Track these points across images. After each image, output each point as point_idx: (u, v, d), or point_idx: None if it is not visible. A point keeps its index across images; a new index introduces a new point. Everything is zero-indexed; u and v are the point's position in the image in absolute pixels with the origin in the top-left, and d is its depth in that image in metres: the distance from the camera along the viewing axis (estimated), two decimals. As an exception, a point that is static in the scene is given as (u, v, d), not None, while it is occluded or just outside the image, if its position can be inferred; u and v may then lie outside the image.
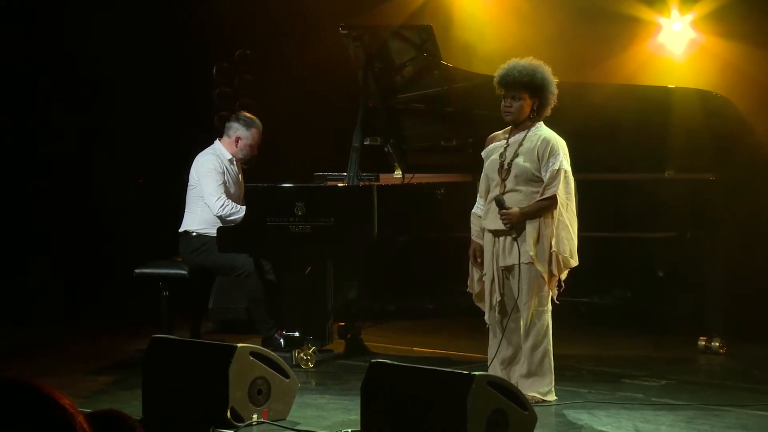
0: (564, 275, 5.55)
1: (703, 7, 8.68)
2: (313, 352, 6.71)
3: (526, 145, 5.52)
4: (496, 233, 5.57)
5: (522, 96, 5.52)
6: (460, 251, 6.04)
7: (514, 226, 5.45)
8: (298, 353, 6.68)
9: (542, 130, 5.56)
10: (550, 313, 5.57)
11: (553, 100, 5.58)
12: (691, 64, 8.82)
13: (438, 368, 4.87)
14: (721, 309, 7.11)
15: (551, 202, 5.44)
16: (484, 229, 5.66)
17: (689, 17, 8.87)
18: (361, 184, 6.87)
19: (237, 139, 7.23)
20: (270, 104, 9.43)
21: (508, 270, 5.55)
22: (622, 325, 8.26)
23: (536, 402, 5.40)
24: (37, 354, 7.24)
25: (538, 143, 5.49)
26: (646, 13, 8.86)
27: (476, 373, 4.44)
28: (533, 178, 5.51)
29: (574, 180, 5.58)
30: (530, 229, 5.46)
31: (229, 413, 5.06)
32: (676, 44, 8.95)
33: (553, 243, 5.44)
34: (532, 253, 5.44)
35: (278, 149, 9.22)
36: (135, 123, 9.49)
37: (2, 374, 1.94)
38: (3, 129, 9.05)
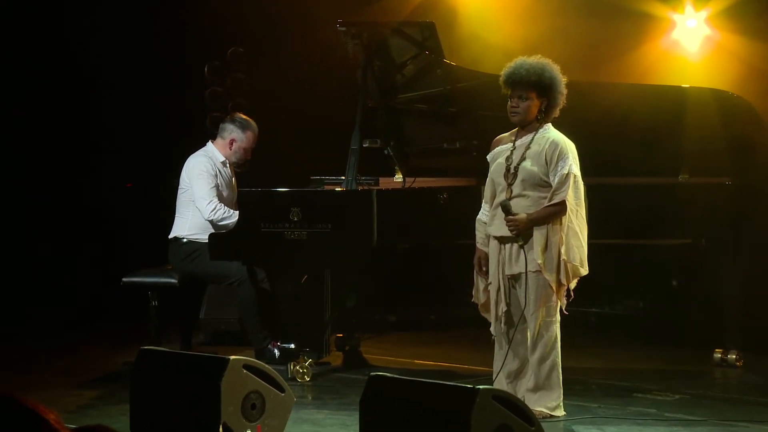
0: (573, 284, 5.55)
1: (719, 2, 8.70)
2: (310, 364, 6.71)
3: (534, 148, 5.53)
4: (502, 240, 5.57)
5: (529, 96, 5.52)
6: (464, 259, 6.04)
7: (521, 233, 5.45)
8: (294, 366, 6.67)
9: (550, 133, 5.56)
10: (558, 324, 5.57)
11: (561, 101, 5.58)
12: (706, 63, 8.84)
13: (441, 382, 4.86)
14: (737, 320, 7.11)
15: (560, 208, 5.44)
16: (489, 236, 5.67)
17: (704, 13, 8.89)
18: (360, 188, 6.87)
19: (231, 142, 7.24)
20: (264, 104, 9.43)
21: (514, 279, 5.55)
22: (634, 337, 8.26)
23: (544, 417, 5.41)
24: (20, 367, 7.24)
25: (546, 146, 5.50)
26: (659, 9, 8.88)
27: (481, 386, 4.44)
28: (541, 183, 5.51)
29: (584, 184, 5.58)
30: (538, 236, 5.46)
31: (221, 429, 5.05)
32: (690, 42, 8.97)
33: (562, 251, 5.44)
34: (539, 261, 5.44)
35: (273, 152, 9.21)
36: (122, 124, 9.49)
37: (-15, 388, 1.94)
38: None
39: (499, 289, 5.59)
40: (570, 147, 5.53)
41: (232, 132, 7.25)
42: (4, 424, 1.90)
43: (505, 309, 5.57)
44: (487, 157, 5.75)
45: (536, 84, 5.51)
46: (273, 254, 6.68)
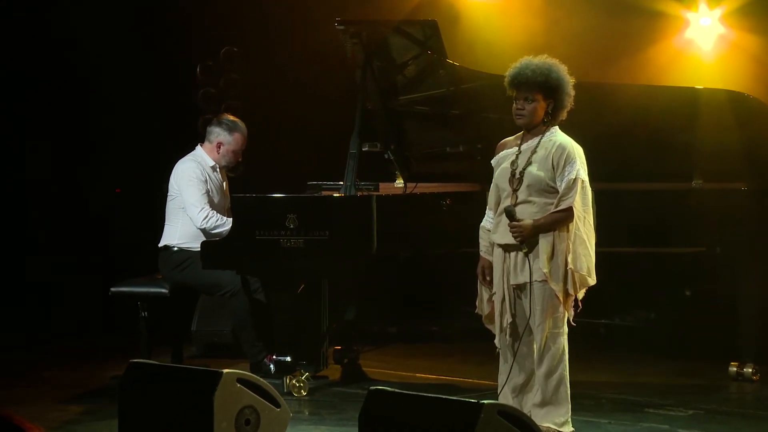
0: (581, 294, 5.55)
1: (734, 0, 8.72)
2: (307, 378, 6.71)
3: (540, 152, 5.53)
4: (507, 248, 5.58)
5: (535, 97, 5.52)
6: (467, 268, 6.04)
7: (526, 240, 5.46)
8: (290, 380, 6.68)
9: (558, 136, 5.56)
10: (566, 336, 5.57)
11: (569, 103, 5.58)
12: (721, 63, 8.85)
13: (443, 396, 4.86)
14: (754, 331, 7.11)
15: (567, 215, 5.44)
16: (493, 244, 5.67)
17: (718, 11, 8.90)
18: (359, 194, 6.88)
19: (219, 145, 7.24)
20: (259, 106, 9.44)
21: (519, 289, 5.55)
22: (646, 350, 8.25)
23: (551, 433, 5.42)
24: (2, 380, 7.24)
25: (553, 150, 5.50)
26: (671, 7, 8.90)
27: (485, 401, 4.44)
28: (547, 189, 5.51)
29: (593, 190, 5.59)
30: (544, 244, 5.46)
31: (214, 446, 5.05)
32: (704, 41, 8.99)
33: (569, 259, 5.45)
34: (545, 270, 5.44)
35: (268, 156, 9.22)
36: (110, 127, 9.50)
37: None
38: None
39: (503, 300, 5.59)
40: (578, 151, 5.52)
41: (218, 135, 7.24)
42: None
43: (510, 320, 5.57)
44: (492, 161, 5.75)
45: (543, 85, 5.50)
46: (268, 263, 6.68)
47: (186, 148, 7.37)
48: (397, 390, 4.88)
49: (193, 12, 9.34)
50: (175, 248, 7.13)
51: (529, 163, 5.53)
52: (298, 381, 6.67)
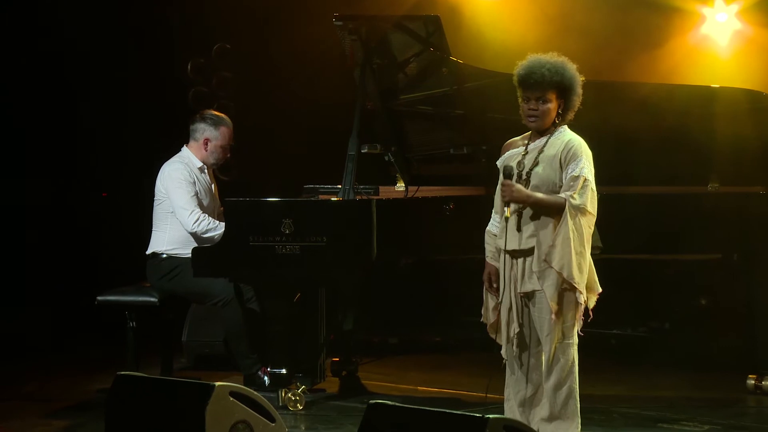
0: (592, 303, 5.54)
1: (751, -6, 8.76)
2: (303, 391, 6.71)
3: (548, 151, 5.51)
4: (514, 254, 5.57)
5: (550, 98, 5.51)
6: (471, 275, 6.04)
7: (512, 203, 5.42)
8: (286, 393, 6.67)
9: (566, 134, 5.55)
10: (576, 347, 5.56)
11: (578, 103, 5.58)
12: (738, 60, 8.88)
13: (447, 410, 4.86)
14: (773, 342, 7.11)
15: (562, 205, 5.41)
16: (500, 249, 5.66)
17: (735, 7, 8.92)
18: (358, 198, 6.88)
19: (206, 141, 7.23)
20: (253, 106, 9.45)
21: (527, 297, 5.55)
22: (659, 361, 8.25)
23: (560, 450, 5.41)
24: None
25: (561, 148, 5.48)
26: (687, 2, 8.93)
27: (491, 416, 4.43)
28: (555, 190, 5.50)
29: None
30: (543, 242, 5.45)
31: (205, 462, 5.05)
32: (720, 37, 9.01)
33: (560, 262, 5.42)
34: (535, 270, 5.43)
35: (262, 158, 9.23)
36: (96, 128, 9.49)
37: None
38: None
39: (510, 308, 5.58)
40: (585, 150, 5.49)
41: (204, 131, 7.24)
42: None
43: (517, 330, 5.56)
44: (497, 162, 5.75)
45: (558, 84, 5.49)
46: (262, 270, 6.68)
47: (176, 149, 7.36)
48: (397, 404, 4.87)
49: (183, 6, 9.34)
50: (164, 255, 7.12)
51: (536, 163, 5.52)
52: (293, 394, 6.66)
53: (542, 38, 8.42)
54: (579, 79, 5.52)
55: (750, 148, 6.97)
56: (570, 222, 5.37)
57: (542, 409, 5.58)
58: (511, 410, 5.63)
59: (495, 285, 5.68)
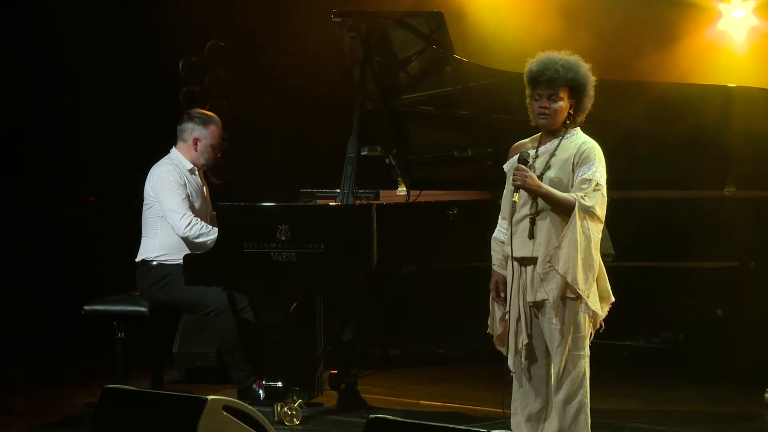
0: (604, 313, 5.54)
1: (768, -10, 8.78)
2: (300, 405, 6.70)
3: (560, 154, 5.51)
4: (523, 262, 5.56)
5: (562, 96, 5.51)
6: (476, 284, 6.04)
7: (523, 188, 5.42)
8: (282, 407, 6.67)
9: (579, 137, 5.55)
10: (587, 359, 5.56)
11: (589, 105, 5.58)
12: (754, 56, 8.90)
13: (451, 426, 4.85)
14: (792, 354, 7.12)
15: (570, 205, 5.40)
16: (507, 257, 5.66)
17: (752, 3, 8.94)
18: (357, 202, 6.88)
19: (195, 141, 7.24)
20: (247, 106, 9.45)
21: (537, 306, 5.54)
22: (673, 374, 8.25)
23: (569, 467, 5.41)
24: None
25: (574, 152, 5.48)
26: (702, -3, 8.97)
27: (497, 431, 4.43)
28: (568, 195, 5.51)
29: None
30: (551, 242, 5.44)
31: (197, 480, 5.05)
32: (737, 33, 9.04)
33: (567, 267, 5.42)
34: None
35: (257, 161, 9.23)
36: (83, 129, 9.49)
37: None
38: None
39: (519, 319, 5.57)
40: (598, 154, 5.49)
41: (192, 131, 7.25)
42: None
43: (525, 341, 5.56)
44: (504, 166, 5.74)
45: (571, 82, 5.50)
46: (257, 279, 6.67)
47: (167, 151, 7.36)
48: (398, 419, 4.87)
49: (174, 1, 9.33)
50: (154, 262, 7.12)
51: (547, 167, 5.51)
52: (290, 408, 6.66)
53: (551, 35, 8.42)
54: (591, 79, 5.53)
55: (768, 150, 6.98)
56: (578, 223, 5.36)
57: (551, 424, 5.57)
58: (518, 425, 5.62)
59: (502, 294, 5.68)
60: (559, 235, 5.40)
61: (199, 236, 6.98)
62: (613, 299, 5.50)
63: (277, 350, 6.94)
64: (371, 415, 4.92)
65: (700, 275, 7.90)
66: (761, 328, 7.42)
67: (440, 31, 6.82)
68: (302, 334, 6.96)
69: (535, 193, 5.43)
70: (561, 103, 5.49)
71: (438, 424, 4.88)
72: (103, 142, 9.46)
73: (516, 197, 5.44)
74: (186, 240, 7.00)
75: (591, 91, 5.53)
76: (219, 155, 7.37)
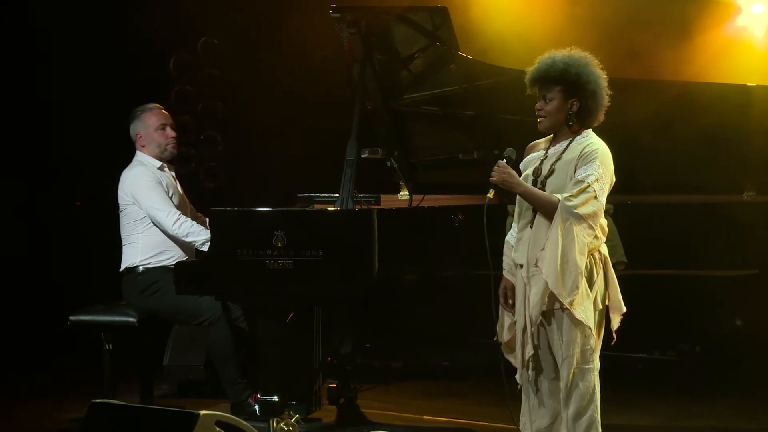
0: (616, 324, 5.55)
1: (788, -15, 8.81)
2: (297, 421, 6.70)
3: (566, 157, 5.51)
4: (530, 269, 5.58)
5: (554, 96, 5.52)
6: (482, 293, 6.03)
7: (498, 185, 5.43)
8: (278, 423, 6.67)
9: (588, 139, 5.54)
10: (597, 372, 5.56)
11: (602, 102, 5.56)
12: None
13: (455, 442, 4.88)
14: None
15: (553, 206, 5.39)
16: (516, 263, 5.67)
17: (771, -2, 8.99)
18: (357, 207, 6.88)
19: (139, 137, 7.31)
20: (242, 107, 9.46)
21: (544, 316, 5.55)
22: (690, 388, 8.25)
23: (580, 486, 5.41)
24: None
25: (578, 153, 5.48)
26: (721, -9, 8.99)
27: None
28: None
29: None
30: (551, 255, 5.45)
31: (188, 499, 5.05)
32: (757, 28, 9.07)
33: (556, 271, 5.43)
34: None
35: (253, 164, 9.24)
36: (68, 131, 9.50)
37: None
38: None
39: (525, 329, 5.58)
40: (602, 157, 5.44)
41: (133, 129, 7.36)
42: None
43: (531, 352, 5.57)
44: (520, 166, 5.75)
45: (559, 81, 5.49)
46: (252, 287, 6.67)
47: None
48: (401, 434, 4.89)
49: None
50: (140, 268, 7.13)
51: (551, 171, 5.52)
52: (286, 424, 6.66)
53: (561, 30, 8.44)
54: (598, 75, 5.50)
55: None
56: (561, 225, 5.36)
57: (561, 441, 5.58)
58: (526, 441, 5.63)
59: (511, 301, 5.69)
60: (545, 231, 5.42)
61: (188, 235, 7.02)
62: (624, 309, 5.50)
63: (273, 363, 6.93)
64: (372, 431, 4.94)
65: (717, 284, 7.90)
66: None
67: (444, 27, 6.82)
68: (299, 345, 6.96)
69: (513, 191, 5.46)
70: (554, 103, 5.50)
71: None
72: (90, 145, 9.46)
73: (491, 194, 5.46)
74: (173, 239, 7.02)
75: (598, 88, 5.50)
76: (172, 134, 7.36)
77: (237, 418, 5.43)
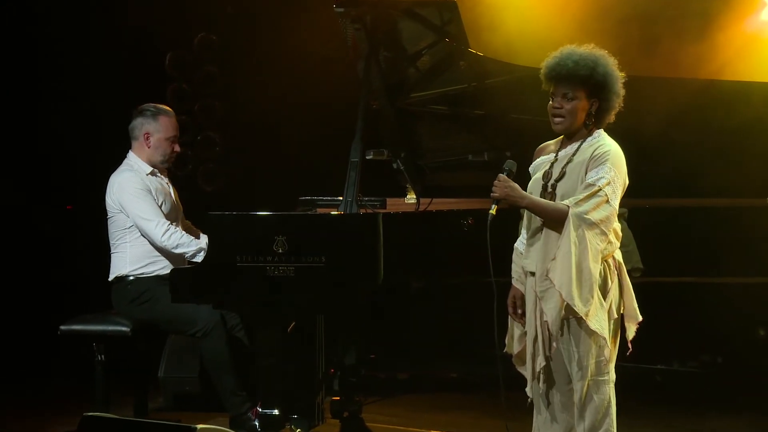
0: (632, 333, 5.55)
1: (815, -23, 8.83)
2: (298, 436, 6.73)
3: (578, 159, 5.51)
4: (538, 277, 5.59)
5: (577, 95, 5.51)
6: (492, 301, 6.04)
7: (501, 200, 5.43)
8: (278, 438, 6.69)
9: (600, 140, 5.54)
10: (612, 385, 5.56)
11: (617, 103, 5.56)
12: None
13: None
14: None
15: (561, 214, 5.38)
16: (527, 271, 5.67)
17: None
18: (362, 211, 6.89)
19: (147, 136, 7.27)
20: (241, 106, 9.47)
21: (557, 326, 5.55)
22: (712, 400, 8.25)
23: (595, 504, 5.42)
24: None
25: (589, 155, 5.48)
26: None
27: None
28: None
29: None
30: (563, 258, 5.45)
31: None
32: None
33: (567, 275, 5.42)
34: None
35: (253, 166, 9.25)
36: (59, 131, 9.51)
37: None
38: None
39: (536, 339, 5.58)
40: (614, 159, 5.43)
41: (143, 126, 7.28)
42: None
43: (543, 364, 5.57)
44: (530, 169, 5.76)
45: (587, 80, 5.49)
46: (251, 295, 6.68)
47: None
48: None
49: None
50: (130, 277, 7.14)
51: (562, 174, 5.52)
52: (287, 439, 6.68)
53: (577, 26, 8.45)
54: (618, 76, 5.51)
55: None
56: (572, 233, 5.34)
57: (574, 456, 5.58)
58: (538, 457, 5.64)
59: (520, 311, 5.69)
60: (555, 240, 5.41)
61: (177, 246, 7.01)
62: (640, 318, 5.50)
63: (273, 374, 6.94)
64: (376, 446, 4.95)
65: (739, 292, 7.91)
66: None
67: (454, 23, 6.83)
68: (301, 356, 6.97)
69: (518, 206, 5.44)
70: (576, 103, 5.48)
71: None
72: (82, 145, 9.47)
73: (493, 210, 5.45)
74: (163, 251, 7.02)
75: (617, 89, 5.51)
76: (178, 150, 7.37)
77: (235, 433, 5.44)
